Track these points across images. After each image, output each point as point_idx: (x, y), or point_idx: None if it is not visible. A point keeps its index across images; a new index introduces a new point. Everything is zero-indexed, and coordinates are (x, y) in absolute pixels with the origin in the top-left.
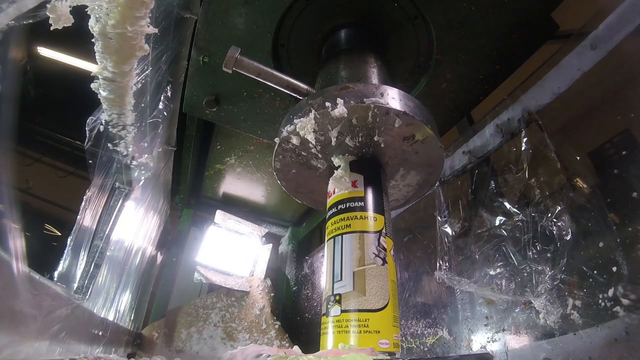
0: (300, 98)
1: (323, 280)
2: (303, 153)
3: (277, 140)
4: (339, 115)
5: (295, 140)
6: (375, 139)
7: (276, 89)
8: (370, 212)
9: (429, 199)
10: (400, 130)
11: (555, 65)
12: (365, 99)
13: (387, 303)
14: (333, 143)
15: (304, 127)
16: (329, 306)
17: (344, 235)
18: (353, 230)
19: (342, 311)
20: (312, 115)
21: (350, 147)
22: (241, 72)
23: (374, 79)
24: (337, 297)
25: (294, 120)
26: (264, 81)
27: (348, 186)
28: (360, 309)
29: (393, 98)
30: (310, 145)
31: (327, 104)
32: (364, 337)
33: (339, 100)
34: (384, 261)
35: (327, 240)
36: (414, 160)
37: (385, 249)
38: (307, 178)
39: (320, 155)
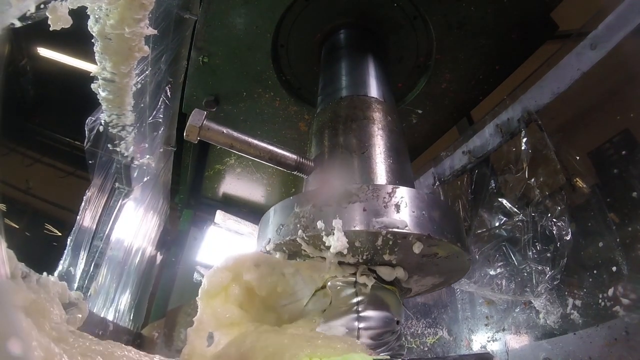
0: (288, 171)
1: None
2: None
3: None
4: (336, 250)
5: (279, 257)
6: (386, 258)
7: (276, 89)
8: None
9: None
10: (420, 251)
11: (554, 65)
12: (374, 220)
13: None
14: (328, 267)
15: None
16: None
17: None
18: None
19: None
20: (299, 234)
21: (351, 264)
22: (210, 142)
23: (382, 153)
24: None
25: (276, 235)
26: (239, 153)
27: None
28: None
29: (413, 212)
30: (298, 259)
31: (320, 224)
32: None
33: (336, 224)
34: None
35: None
36: (432, 270)
37: None
38: None
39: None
